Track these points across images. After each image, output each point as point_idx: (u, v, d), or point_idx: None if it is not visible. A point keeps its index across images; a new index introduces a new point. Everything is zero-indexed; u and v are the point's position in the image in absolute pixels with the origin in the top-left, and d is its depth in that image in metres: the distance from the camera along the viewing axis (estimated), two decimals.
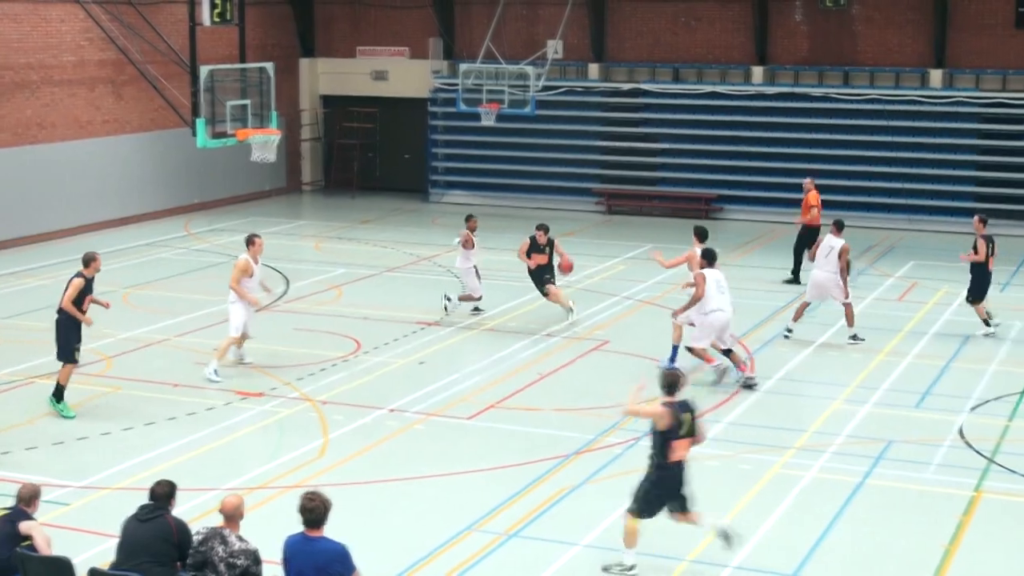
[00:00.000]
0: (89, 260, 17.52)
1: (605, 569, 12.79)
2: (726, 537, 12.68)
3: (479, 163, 37.15)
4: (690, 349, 19.09)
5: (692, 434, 12.62)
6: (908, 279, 26.56)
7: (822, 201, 26.73)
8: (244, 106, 25.67)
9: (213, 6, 25.26)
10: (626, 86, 35.90)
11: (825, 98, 33.97)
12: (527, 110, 32.43)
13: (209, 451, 16.08)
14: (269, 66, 26.23)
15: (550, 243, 22.25)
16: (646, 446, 16.12)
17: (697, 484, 15.06)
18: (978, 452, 16.20)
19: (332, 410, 17.62)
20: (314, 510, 9.93)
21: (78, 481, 14.80)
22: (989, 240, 22.04)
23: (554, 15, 35.10)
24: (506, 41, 34.82)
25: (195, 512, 13.66)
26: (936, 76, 33.34)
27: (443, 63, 37.49)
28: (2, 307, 23.00)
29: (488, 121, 32.38)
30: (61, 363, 17.27)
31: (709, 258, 19.04)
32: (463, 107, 32.95)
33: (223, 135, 25.16)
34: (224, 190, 35.38)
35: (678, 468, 12.63)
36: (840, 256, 21.17)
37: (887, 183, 33.61)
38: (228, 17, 25.46)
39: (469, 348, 20.98)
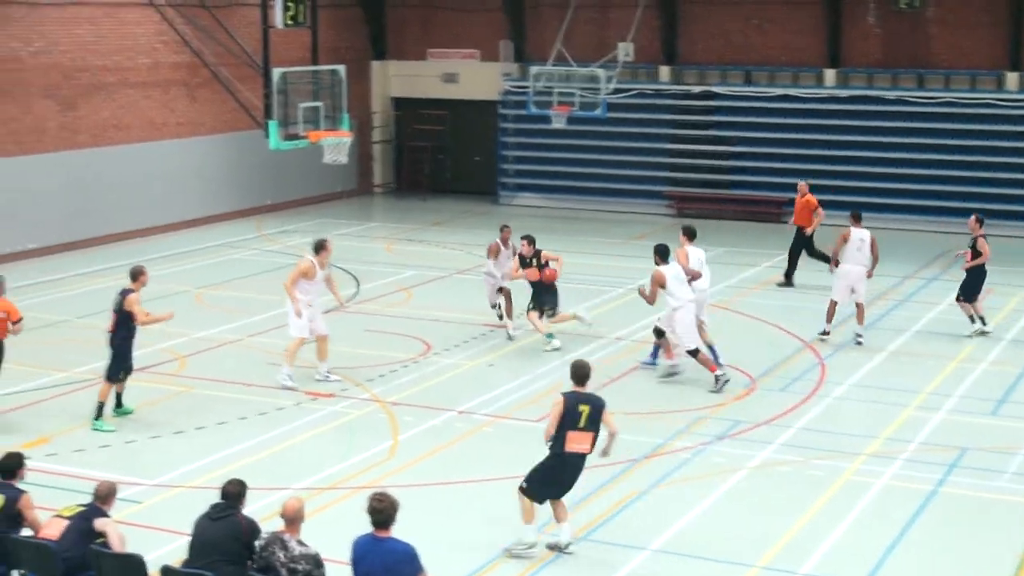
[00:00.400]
0: (137, 274, 17.42)
1: (507, 550, 13.00)
2: (556, 548, 13.03)
3: (549, 165, 37.13)
4: (692, 354, 18.75)
5: (591, 429, 12.76)
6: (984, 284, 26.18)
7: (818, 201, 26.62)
8: (316, 108, 25.82)
9: (286, 9, 25.43)
10: (697, 88, 35.73)
11: (899, 101, 33.61)
12: (597, 112, 32.38)
13: (280, 451, 16.19)
14: (341, 68, 26.37)
15: (536, 254, 20.80)
16: (715, 451, 16.16)
17: (769, 489, 15.03)
18: None
19: (402, 411, 17.69)
20: (383, 511, 9.96)
21: (151, 479, 14.97)
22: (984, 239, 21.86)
23: (625, 17, 35.00)
24: (577, 43, 34.77)
25: (265, 512, 13.75)
26: (1012, 79, 32.88)
27: (513, 65, 37.52)
28: (77, 307, 23.28)
29: (558, 123, 32.36)
30: (105, 380, 17.14)
31: (690, 235, 19.68)
32: (533, 109, 32.96)
33: (295, 137, 25.33)
34: (296, 192, 35.62)
35: (574, 459, 12.84)
36: (872, 247, 21.27)
37: (962, 187, 33.17)
38: (301, 20, 25.64)
39: (538, 351, 20.95)
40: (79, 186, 29.21)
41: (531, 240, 20.93)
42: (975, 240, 21.92)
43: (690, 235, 19.86)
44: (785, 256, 26.17)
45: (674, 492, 14.94)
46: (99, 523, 11.14)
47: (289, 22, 25.51)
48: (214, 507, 10.91)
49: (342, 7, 36.54)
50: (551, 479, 12.96)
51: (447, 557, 13.21)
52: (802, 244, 25.81)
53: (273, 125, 24.69)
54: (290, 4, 25.47)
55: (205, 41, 30.36)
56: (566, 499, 13.18)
